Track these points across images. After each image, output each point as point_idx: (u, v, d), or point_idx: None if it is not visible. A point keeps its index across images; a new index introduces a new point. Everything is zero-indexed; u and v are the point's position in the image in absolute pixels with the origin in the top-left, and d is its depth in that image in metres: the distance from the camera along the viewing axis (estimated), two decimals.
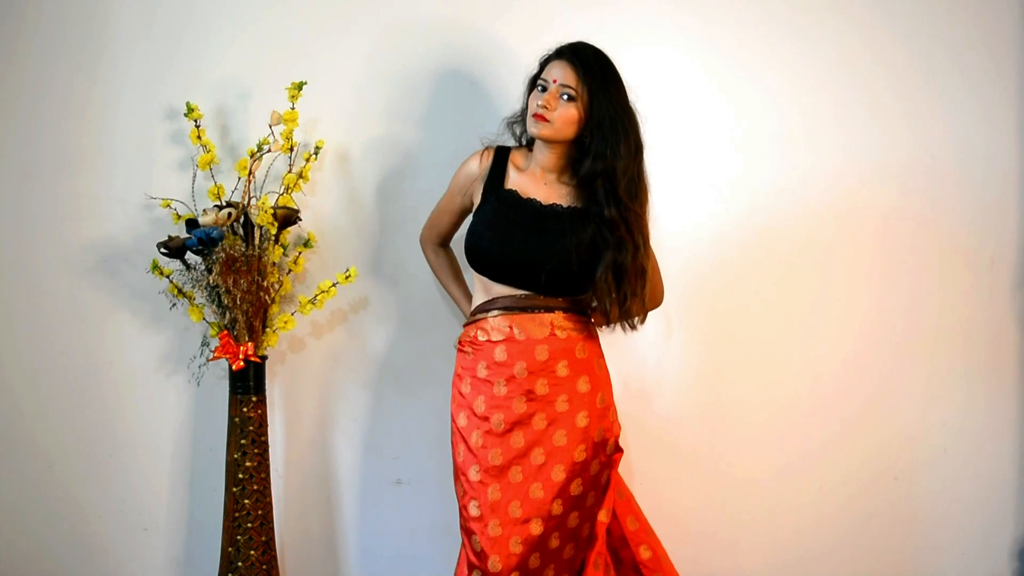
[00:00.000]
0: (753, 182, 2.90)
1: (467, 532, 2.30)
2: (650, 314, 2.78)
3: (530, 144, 2.43)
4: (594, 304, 2.35)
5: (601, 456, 2.35)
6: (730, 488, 2.88)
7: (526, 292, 2.32)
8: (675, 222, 2.81)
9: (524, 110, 2.41)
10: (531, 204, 2.35)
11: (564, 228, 2.31)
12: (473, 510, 2.28)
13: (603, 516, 2.31)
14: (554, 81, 2.29)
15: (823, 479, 2.96)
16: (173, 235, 2.58)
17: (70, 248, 2.73)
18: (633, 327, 2.37)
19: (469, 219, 2.43)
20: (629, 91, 2.32)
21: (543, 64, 2.35)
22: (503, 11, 2.76)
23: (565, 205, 2.34)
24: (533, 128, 2.30)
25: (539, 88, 2.32)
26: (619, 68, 2.32)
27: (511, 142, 2.47)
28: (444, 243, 2.61)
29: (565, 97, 2.28)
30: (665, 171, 2.86)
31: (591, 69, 2.29)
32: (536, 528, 2.28)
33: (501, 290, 2.34)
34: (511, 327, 2.31)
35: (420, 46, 2.79)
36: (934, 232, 2.97)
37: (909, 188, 2.96)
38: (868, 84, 2.93)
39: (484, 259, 2.33)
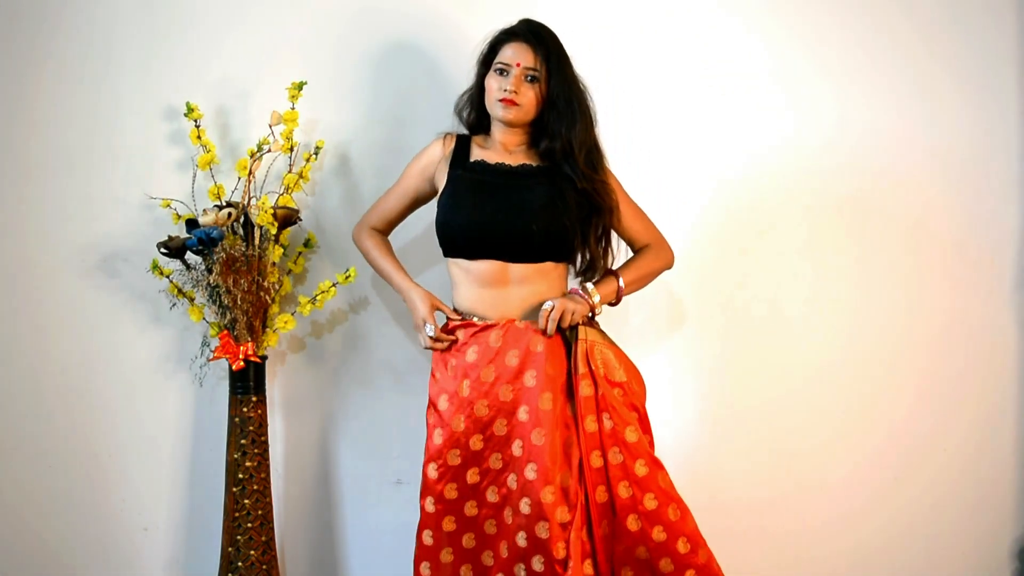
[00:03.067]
0: (752, 182, 2.90)
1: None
2: (649, 314, 2.78)
3: (479, 130, 2.42)
4: (579, 264, 2.36)
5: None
6: (730, 488, 2.87)
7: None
8: (673, 221, 2.80)
9: (477, 92, 2.38)
10: (501, 166, 2.33)
11: (541, 182, 2.29)
12: (429, 505, 2.29)
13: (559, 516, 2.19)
14: (517, 65, 2.28)
15: (823, 479, 2.95)
16: (173, 235, 2.58)
17: (70, 248, 2.72)
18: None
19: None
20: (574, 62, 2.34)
21: (495, 44, 2.34)
22: (511, 14, 2.76)
23: (535, 165, 2.33)
24: (500, 112, 2.29)
25: (497, 71, 2.30)
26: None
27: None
28: (385, 231, 2.53)
29: (528, 79, 2.29)
30: (664, 169, 2.86)
31: (548, 49, 2.29)
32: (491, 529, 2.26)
33: (481, 272, 2.28)
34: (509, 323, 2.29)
35: (422, 47, 2.79)
36: (934, 232, 2.97)
37: (909, 187, 2.96)
38: (867, 83, 2.93)
39: (462, 230, 2.27)
